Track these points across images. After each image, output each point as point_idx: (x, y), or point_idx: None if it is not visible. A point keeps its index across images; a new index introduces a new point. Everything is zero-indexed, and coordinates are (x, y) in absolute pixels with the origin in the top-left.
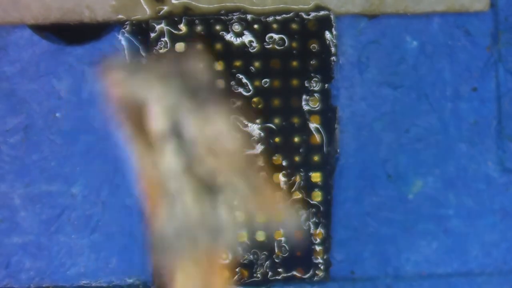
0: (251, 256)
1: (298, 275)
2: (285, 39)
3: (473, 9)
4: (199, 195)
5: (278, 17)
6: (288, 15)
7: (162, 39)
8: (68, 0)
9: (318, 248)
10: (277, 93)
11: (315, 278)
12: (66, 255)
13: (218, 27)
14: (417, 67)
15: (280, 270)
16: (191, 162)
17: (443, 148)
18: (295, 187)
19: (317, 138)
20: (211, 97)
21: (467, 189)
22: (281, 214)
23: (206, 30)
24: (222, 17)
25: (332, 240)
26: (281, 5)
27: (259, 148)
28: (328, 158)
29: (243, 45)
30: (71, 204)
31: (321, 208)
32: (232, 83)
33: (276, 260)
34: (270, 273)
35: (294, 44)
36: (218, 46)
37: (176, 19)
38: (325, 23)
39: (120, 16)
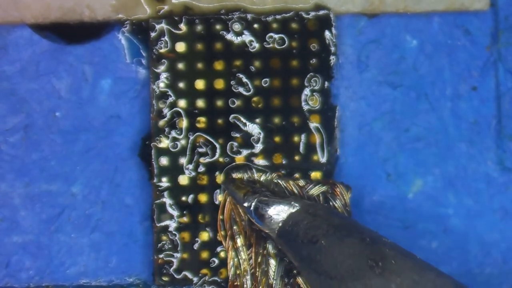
0: None
1: None
2: (285, 39)
3: (473, 8)
4: None
5: (278, 17)
6: (288, 15)
7: (162, 38)
8: (68, 0)
9: None
10: (277, 93)
11: None
12: (66, 254)
13: (218, 27)
14: (417, 66)
15: None
16: None
17: (442, 147)
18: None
19: (317, 137)
20: None
21: (467, 189)
22: None
23: (206, 29)
24: (222, 17)
25: None
26: (281, 5)
27: (259, 147)
28: (328, 158)
29: (243, 44)
30: (71, 204)
31: None
32: (232, 82)
33: None
34: None
35: (294, 44)
36: (218, 45)
37: (176, 18)
38: (325, 22)
39: (120, 16)
